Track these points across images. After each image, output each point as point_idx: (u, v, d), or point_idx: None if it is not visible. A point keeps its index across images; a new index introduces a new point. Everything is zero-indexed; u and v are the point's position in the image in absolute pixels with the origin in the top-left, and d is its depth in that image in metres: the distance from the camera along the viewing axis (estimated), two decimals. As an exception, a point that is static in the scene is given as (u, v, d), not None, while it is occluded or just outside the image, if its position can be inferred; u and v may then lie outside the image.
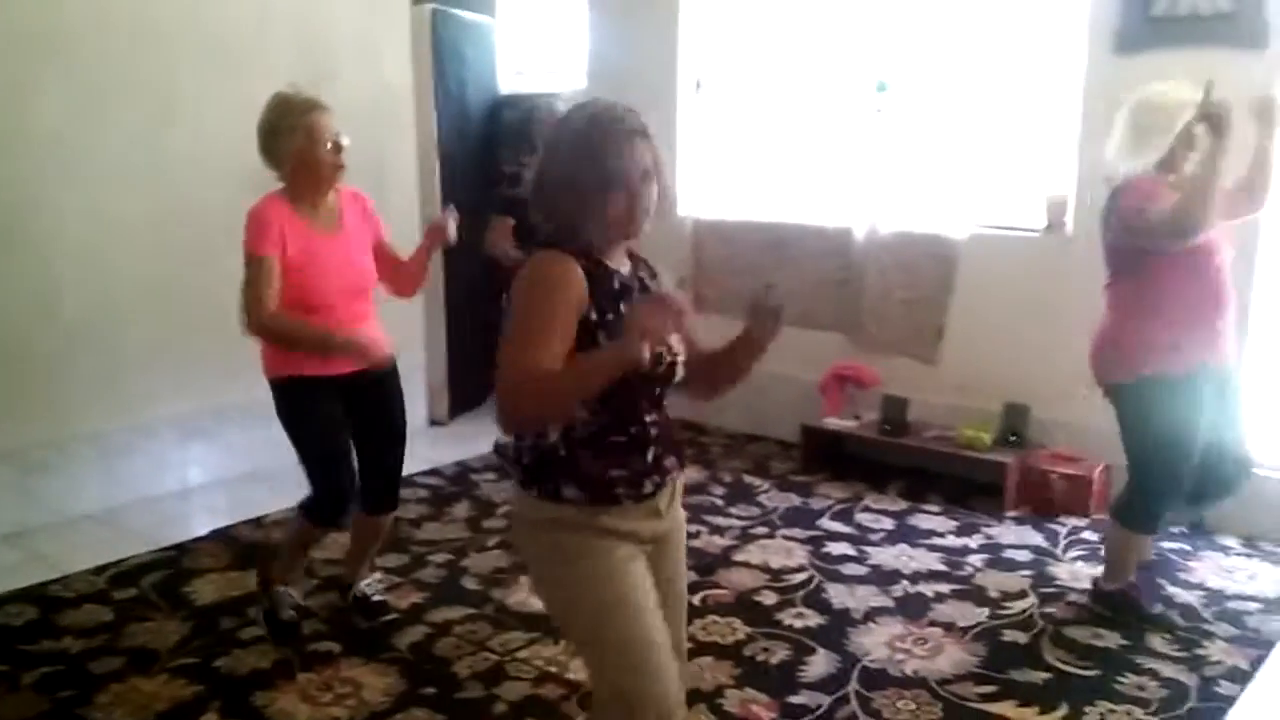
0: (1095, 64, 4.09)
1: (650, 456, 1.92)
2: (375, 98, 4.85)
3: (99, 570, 3.59)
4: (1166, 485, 3.13)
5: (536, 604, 3.38)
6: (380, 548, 3.44)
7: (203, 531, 3.98)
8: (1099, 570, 3.45)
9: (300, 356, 2.93)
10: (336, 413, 3.03)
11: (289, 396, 3.01)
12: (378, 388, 3.09)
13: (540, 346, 1.76)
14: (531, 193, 1.89)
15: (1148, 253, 2.99)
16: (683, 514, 2.10)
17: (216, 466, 4.50)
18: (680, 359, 1.93)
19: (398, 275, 3.16)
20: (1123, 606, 3.27)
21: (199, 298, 4.31)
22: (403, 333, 5.10)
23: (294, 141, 2.87)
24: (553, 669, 3.00)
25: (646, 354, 1.71)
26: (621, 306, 1.84)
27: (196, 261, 4.28)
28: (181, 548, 3.84)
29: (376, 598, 3.32)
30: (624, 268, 1.93)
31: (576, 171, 1.81)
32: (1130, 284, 3.07)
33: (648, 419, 1.92)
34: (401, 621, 3.28)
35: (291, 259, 2.86)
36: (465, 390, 5.53)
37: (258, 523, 4.08)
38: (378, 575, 3.44)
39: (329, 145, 2.91)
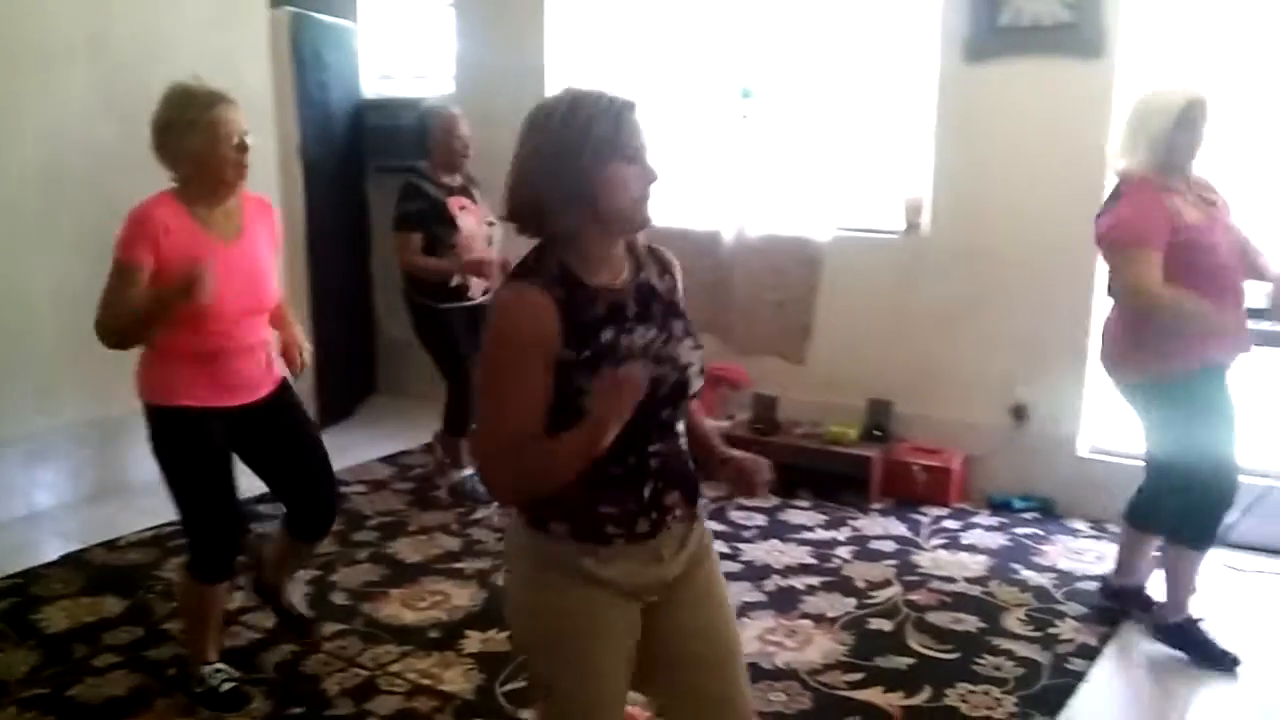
0: (947, 71, 4.26)
1: (648, 492, 1.71)
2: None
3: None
4: (1213, 490, 2.96)
5: (408, 616, 3.34)
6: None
7: (53, 556, 3.79)
8: (960, 556, 3.58)
9: (186, 383, 2.62)
10: (224, 453, 2.72)
11: (168, 428, 2.67)
12: (279, 410, 2.81)
13: (510, 408, 1.61)
14: (512, 190, 1.67)
15: None
16: (708, 547, 1.86)
17: (66, 488, 4.29)
18: (693, 372, 1.73)
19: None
20: (1185, 644, 3.09)
21: (37, 313, 4.12)
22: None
23: (193, 139, 2.57)
24: (426, 681, 2.96)
25: (606, 440, 1.58)
26: (604, 335, 1.64)
27: (35, 276, 4.09)
28: (29, 574, 3.65)
29: (299, 611, 3.18)
30: (619, 278, 1.70)
31: (566, 150, 1.60)
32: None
33: (650, 449, 1.70)
34: (267, 641, 3.19)
35: (179, 267, 2.53)
36: (333, 401, 5.41)
37: (112, 545, 3.90)
38: (305, 590, 3.30)
39: (233, 144, 2.60)
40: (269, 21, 4.99)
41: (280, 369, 2.86)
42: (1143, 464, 3.23)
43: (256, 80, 4.90)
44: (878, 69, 4.53)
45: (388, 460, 4.91)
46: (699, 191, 4.93)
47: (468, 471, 4.39)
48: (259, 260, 2.72)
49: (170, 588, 3.51)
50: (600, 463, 1.63)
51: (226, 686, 2.84)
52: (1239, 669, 2.99)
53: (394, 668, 3.03)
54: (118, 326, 2.57)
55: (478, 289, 4.23)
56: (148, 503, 4.17)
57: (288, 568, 3.13)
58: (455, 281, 4.17)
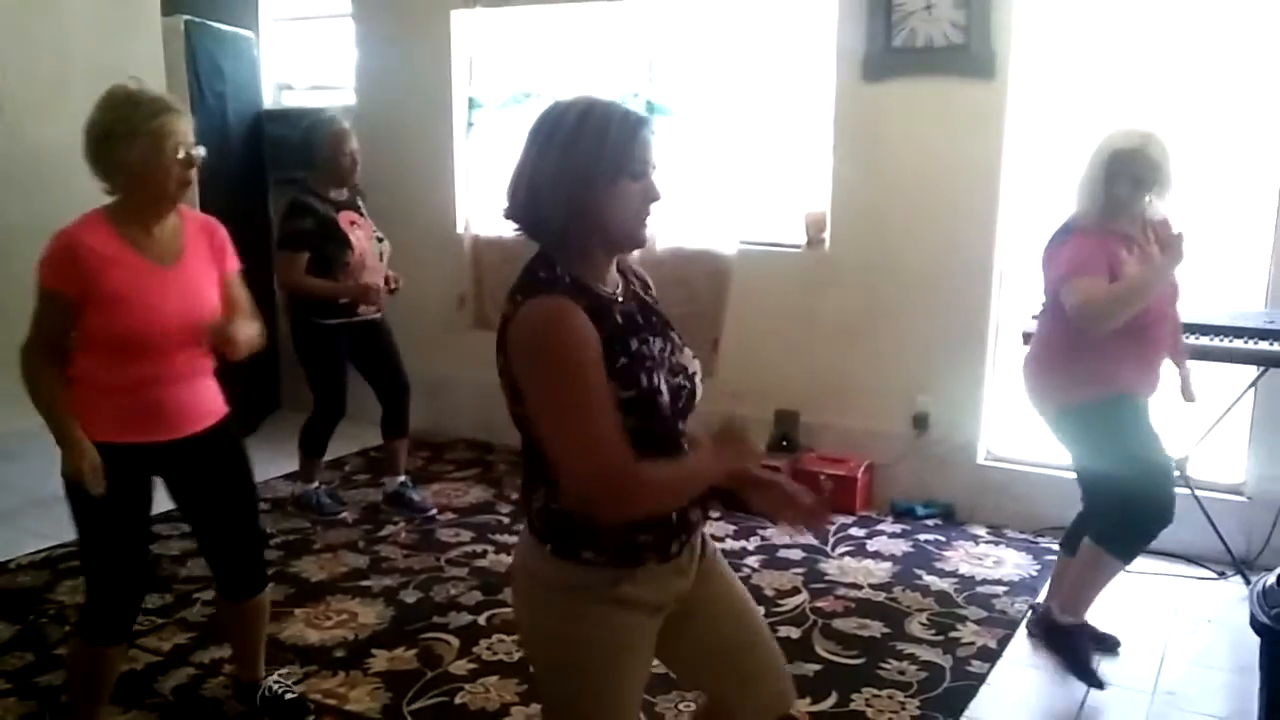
0: (844, 90, 4.37)
1: (676, 514, 1.70)
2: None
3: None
4: (1164, 503, 3.00)
5: (311, 636, 3.28)
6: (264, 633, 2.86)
7: (-67, 582, 3.62)
8: (865, 563, 3.66)
9: (106, 417, 2.38)
10: (138, 496, 2.45)
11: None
12: (215, 447, 2.57)
13: (607, 427, 1.53)
14: (519, 191, 1.62)
15: None
16: (716, 556, 1.89)
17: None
18: (698, 380, 1.75)
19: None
20: (1062, 645, 3.16)
21: None
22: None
23: (133, 150, 2.32)
24: (331, 701, 2.91)
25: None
26: (631, 344, 1.61)
27: None
28: (-92, 602, 3.48)
29: (289, 695, 2.85)
30: (617, 289, 1.68)
31: (580, 157, 1.57)
32: (1063, 318, 2.97)
33: None
34: (165, 664, 3.09)
35: (111, 292, 2.32)
36: (235, 418, 5.25)
37: (1, 567, 3.74)
38: (282, 670, 3.00)
39: (179, 156, 2.36)
40: (163, 29, 4.86)
41: (222, 404, 2.63)
42: (1087, 487, 3.22)
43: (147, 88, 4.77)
44: (780, 86, 4.62)
45: (291, 477, 4.80)
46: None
47: (315, 484, 4.41)
48: (200, 285, 2.48)
49: (62, 610, 3.40)
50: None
51: None
52: (1105, 689, 3.03)
53: (297, 688, 2.96)
54: (33, 376, 2.36)
55: (368, 308, 4.18)
56: (38, 524, 4.04)
57: (254, 646, 2.82)
58: (344, 300, 4.09)
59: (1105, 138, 2.97)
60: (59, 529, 3.95)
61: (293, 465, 4.97)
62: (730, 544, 4.05)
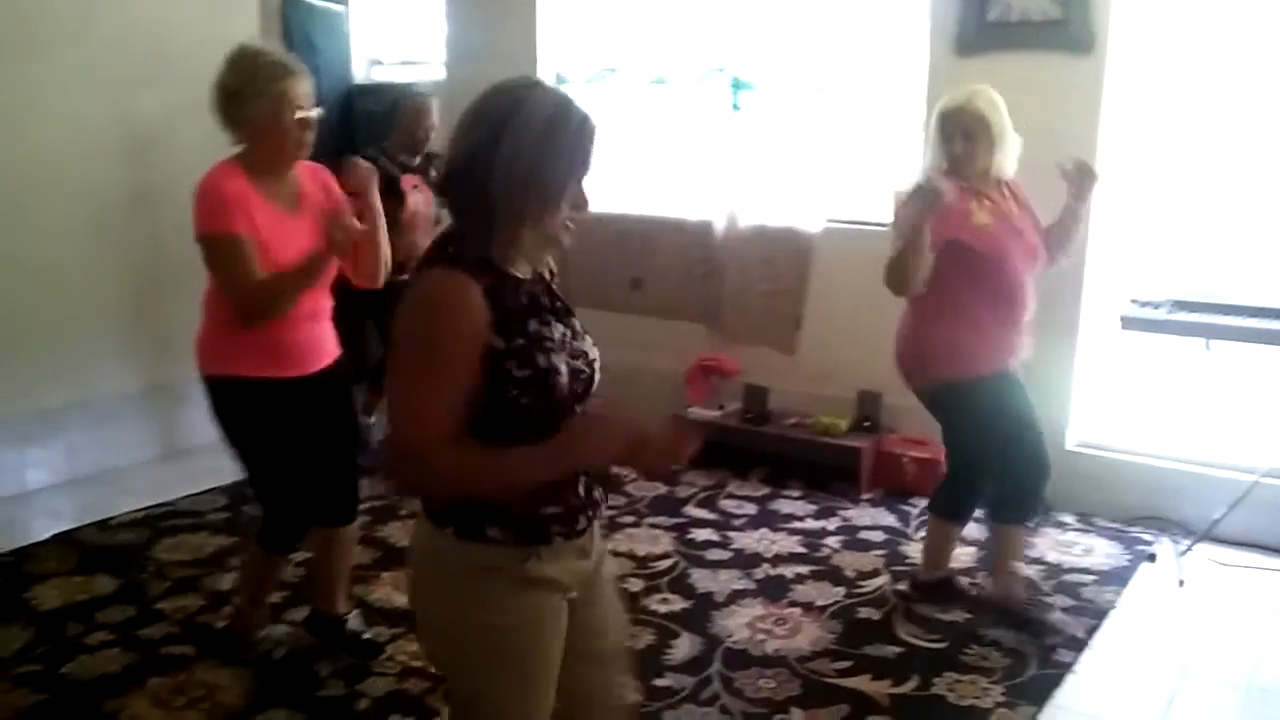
0: (937, 65, 4.27)
1: (583, 489, 1.71)
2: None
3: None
4: (978, 475, 3.25)
5: (399, 600, 3.35)
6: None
7: (44, 535, 3.78)
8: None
9: (245, 355, 2.57)
10: (288, 420, 2.67)
11: (232, 400, 2.63)
12: (331, 387, 2.77)
13: (438, 402, 1.53)
14: (470, 174, 1.57)
15: (935, 265, 2.97)
16: (605, 546, 1.87)
17: (57, 469, 4.27)
18: (597, 366, 1.72)
19: (359, 260, 2.72)
20: (944, 594, 3.38)
21: (31, 290, 4.11)
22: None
23: (258, 109, 2.51)
24: (416, 664, 2.96)
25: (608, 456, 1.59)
26: (530, 325, 1.60)
27: (28, 252, 4.08)
28: (21, 553, 3.64)
29: (365, 636, 3.01)
30: (526, 272, 1.66)
31: (555, 158, 1.57)
32: (926, 290, 3.01)
33: None
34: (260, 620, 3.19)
35: (253, 234, 2.50)
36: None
37: (103, 525, 3.90)
38: (370, 631, 3.08)
39: (297, 118, 2.55)
40: (259, 3, 4.96)
41: (336, 345, 2.80)
42: (955, 460, 3.35)
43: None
44: (870, 61, 4.55)
45: (385, 443, 4.91)
46: (691, 182, 4.95)
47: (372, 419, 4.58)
48: (319, 231, 2.61)
49: (162, 568, 3.53)
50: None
51: (280, 653, 2.98)
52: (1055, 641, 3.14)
53: (386, 650, 3.04)
54: (268, 301, 2.53)
55: (411, 269, 4.28)
56: (137, 484, 4.20)
57: (337, 578, 2.99)
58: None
59: (941, 102, 3.09)
60: (158, 489, 4.15)
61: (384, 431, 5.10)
62: (810, 524, 4.03)
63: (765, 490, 4.39)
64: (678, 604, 3.36)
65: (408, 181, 4.34)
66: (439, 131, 4.31)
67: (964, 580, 3.46)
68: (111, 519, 3.95)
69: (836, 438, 4.43)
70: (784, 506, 4.22)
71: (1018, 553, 3.32)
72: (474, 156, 1.56)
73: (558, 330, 1.65)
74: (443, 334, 1.54)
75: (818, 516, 4.11)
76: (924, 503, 4.20)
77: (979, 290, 3.01)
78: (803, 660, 3.03)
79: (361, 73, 5.88)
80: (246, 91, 2.53)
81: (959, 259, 2.97)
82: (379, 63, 5.99)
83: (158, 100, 4.40)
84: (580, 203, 1.63)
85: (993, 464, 3.16)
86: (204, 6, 4.63)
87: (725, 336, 4.89)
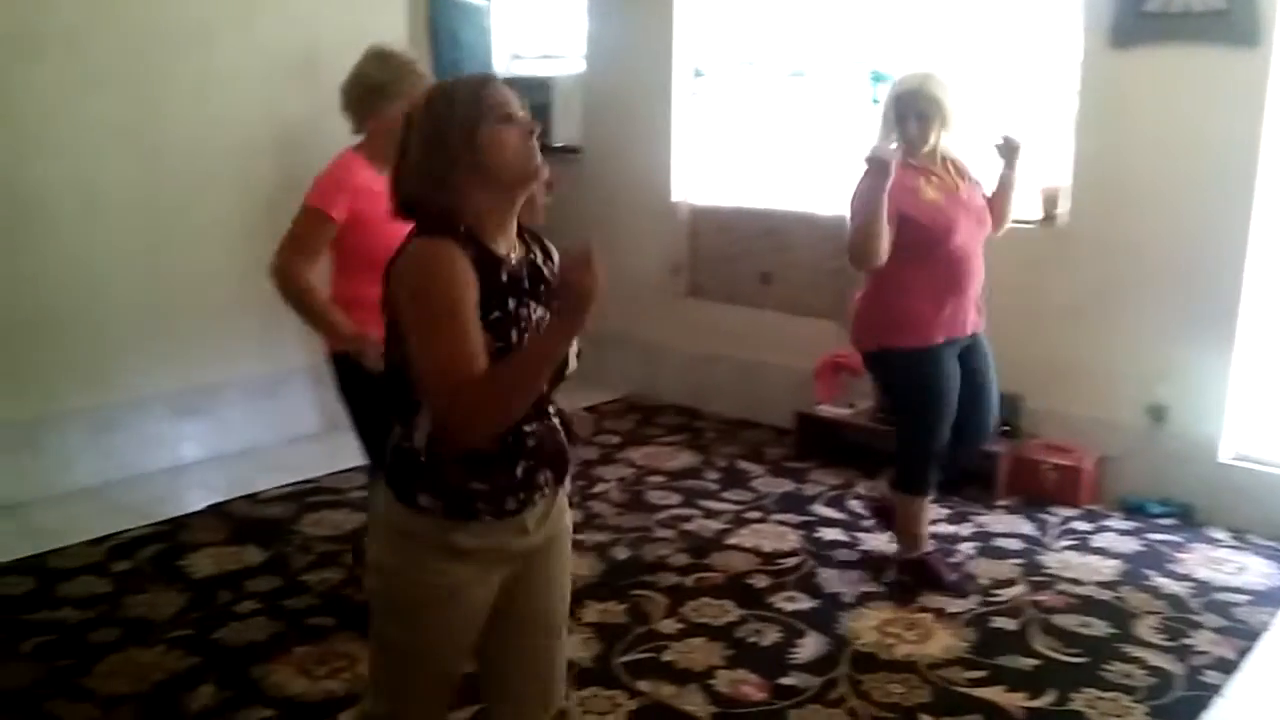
0: (1091, 58, 4.11)
1: (520, 470, 1.73)
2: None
3: (95, 543, 3.59)
4: (930, 448, 3.34)
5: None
6: None
7: (198, 506, 3.99)
8: (1089, 559, 3.49)
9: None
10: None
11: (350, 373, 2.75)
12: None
13: (463, 349, 1.60)
14: (403, 183, 1.72)
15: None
16: (566, 523, 1.91)
17: (210, 443, 4.49)
18: (572, 353, 1.75)
19: None
20: (921, 576, 3.44)
21: (189, 274, 4.34)
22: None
23: (392, 108, 2.67)
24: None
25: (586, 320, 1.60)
26: (509, 302, 1.67)
27: (186, 239, 4.30)
28: (177, 522, 3.85)
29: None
30: (513, 254, 1.74)
31: (440, 129, 1.68)
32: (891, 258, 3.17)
33: (526, 428, 1.73)
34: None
35: (371, 214, 2.55)
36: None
37: (253, 499, 4.09)
38: None
39: None
40: (408, 1, 5.10)
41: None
42: (901, 431, 3.49)
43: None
44: (1017, 53, 4.40)
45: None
46: (826, 176, 4.88)
47: None
48: None
49: (307, 542, 3.68)
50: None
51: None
52: (971, 591, 3.40)
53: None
54: (288, 273, 2.69)
55: None
56: (283, 460, 4.39)
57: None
58: None
59: (894, 83, 3.29)
60: (302, 466, 4.33)
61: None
62: (943, 528, 3.94)
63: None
64: (804, 602, 3.33)
65: None
66: (581, 120, 4.35)
67: (944, 560, 3.56)
68: (260, 493, 4.13)
69: (972, 441, 4.31)
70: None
71: (913, 521, 3.50)
72: (400, 167, 1.72)
73: (537, 312, 1.72)
74: (448, 287, 1.61)
75: (951, 521, 4.01)
76: (1065, 512, 4.08)
77: (924, 263, 3.18)
78: (933, 667, 2.96)
79: (502, 67, 6.00)
80: (390, 90, 2.72)
81: (906, 233, 3.13)
82: (519, 57, 6.11)
83: (308, 97, 4.58)
84: (525, 128, 1.72)
85: (932, 432, 3.31)
86: (354, 5, 4.79)
87: (858, 334, 4.81)
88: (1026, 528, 3.97)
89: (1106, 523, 4.01)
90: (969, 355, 3.36)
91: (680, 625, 3.17)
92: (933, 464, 3.38)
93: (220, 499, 4.06)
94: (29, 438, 3.99)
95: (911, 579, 3.45)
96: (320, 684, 2.81)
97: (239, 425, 4.53)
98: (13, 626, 3.08)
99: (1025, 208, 4.42)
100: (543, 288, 1.76)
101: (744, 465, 4.61)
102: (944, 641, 3.10)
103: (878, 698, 2.81)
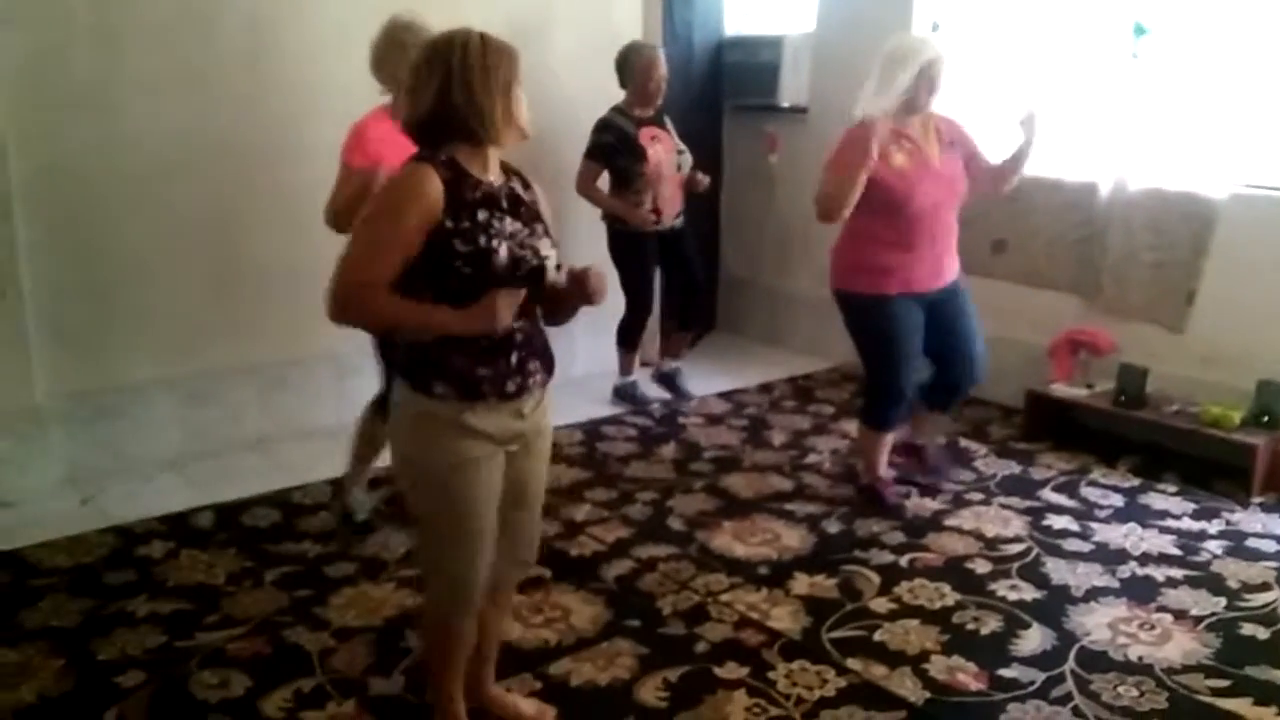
0: None
1: (515, 359, 2.11)
2: (602, 37, 4.86)
3: (334, 481, 3.83)
4: (888, 388, 3.62)
5: (739, 549, 3.41)
6: None
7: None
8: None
9: None
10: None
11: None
12: None
13: (378, 257, 1.98)
14: (425, 106, 2.03)
15: None
16: (548, 422, 2.29)
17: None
18: (550, 263, 2.13)
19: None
20: (870, 499, 3.75)
21: (307, 289, 4.35)
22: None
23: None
24: (754, 615, 3.00)
25: (500, 325, 2.03)
26: (479, 214, 2.03)
27: (301, 254, 4.29)
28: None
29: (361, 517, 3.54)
30: (494, 177, 2.10)
31: (485, 76, 2.01)
32: (852, 214, 3.43)
33: (515, 324, 2.08)
34: (609, 554, 3.36)
35: (393, 159, 2.64)
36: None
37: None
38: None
39: None
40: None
41: None
42: (867, 372, 3.75)
43: (626, 16, 5.05)
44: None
45: (724, 396, 5.00)
46: (1076, 139, 4.55)
47: (631, 377, 4.89)
48: None
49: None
50: (476, 336, 2.04)
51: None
52: (904, 511, 3.70)
53: (724, 597, 3.10)
54: (331, 220, 3.10)
55: (668, 216, 4.60)
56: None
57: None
58: (647, 207, 4.56)
59: (907, 46, 3.43)
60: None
61: (726, 385, 5.21)
62: (1187, 524, 3.64)
63: (1135, 481, 4.01)
64: (1028, 592, 3.16)
65: (645, 134, 4.51)
66: (809, 80, 4.25)
67: (890, 486, 3.79)
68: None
69: (1226, 431, 3.95)
70: (1156, 502, 3.83)
71: (871, 452, 3.79)
72: (432, 94, 2.02)
73: (511, 225, 2.08)
74: (398, 203, 2.00)
75: (1197, 517, 3.70)
76: (1333, 514, 3.68)
77: (885, 221, 3.43)
78: (1171, 672, 2.74)
79: (732, 26, 5.92)
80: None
81: (872, 193, 3.36)
82: (748, 14, 6.00)
83: (541, 56, 4.64)
84: (518, 96, 2.07)
85: (891, 374, 3.58)
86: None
87: (1101, 309, 4.49)
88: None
89: (1384, 530, 3.59)
90: (942, 308, 3.59)
91: (893, 605, 3.08)
92: (892, 403, 3.65)
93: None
94: (277, 379, 4.28)
95: (863, 499, 3.76)
96: (536, 631, 2.90)
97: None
98: (260, 556, 3.33)
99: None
100: (521, 209, 2.13)
101: (967, 444, 4.41)
102: (1184, 645, 2.87)
103: (1107, 699, 2.63)
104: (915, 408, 3.87)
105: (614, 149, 4.51)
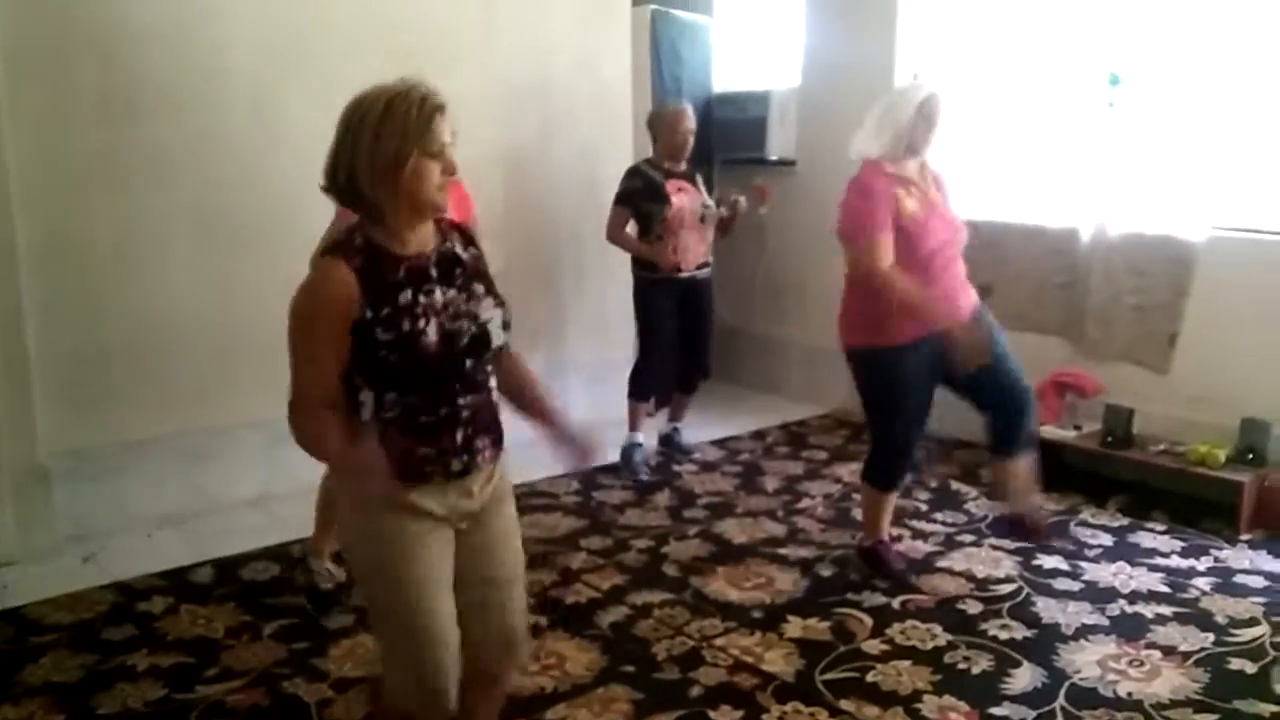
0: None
1: (460, 437, 1.97)
2: (593, 96, 5.01)
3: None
4: (898, 445, 3.49)
5: (733, 594, 3.44)
6: None
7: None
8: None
9: None
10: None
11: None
12: None
13: (308, 374, 1.89)
14: (339, 178, 1.88)
15: None
16: (506, 486, 2.13)
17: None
18: (494, 325, 1.97)
19: None
20: (872, 562, 3.59)
21: None
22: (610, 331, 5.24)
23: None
24: (748, 659, 3.03)
25: (370, 489, 1.88)
26: (402, 297, 1.88)
27: None
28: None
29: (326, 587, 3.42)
30: (425, 247, 1.95)
31: (390, 143, 1.83)
32: (850, 268, 3.38)
33: (460, 401, 1.96)
34: (604, 600, 3.40)
35: None
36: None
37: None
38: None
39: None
40: (632, 19, 5.25)
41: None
42: (873, 429, 3.60)
43: (615, 74, 5.18)
44: (1266, 47, 4.05)
45: (718, 443, 5.06)
46: (1056, 187, 4.66)
47: (637, 434, 4.77)
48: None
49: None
50: (416, 412, 1.92)
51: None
52: (910, 581, 3.52)
53: (718, 641, 3.13)
54: None
55: (690, 264, 4.59)
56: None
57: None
58: (646, 258, 4.58)
59: (904, 88, 3.52)
60: (518, 471, 4.50)
61: (721, 433, 5.25)
62: (1176, 561, 3.68)
63: (1124, 521, 4.06)
64: (1019, 631, 3.19)
65: (672, 186, 4.56)
66: (797, 133, 4.36)
67: (893, 549, 3.67)
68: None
69: (1213, 469, 4.00)
70: (1145, 540, 3.88)
71: (1022, 477, 3.66)
72: (338, 159, 1.88)
73: (443, 295, 1.93)
74: (310, 317, 1.87)
75: (1185, 554, 3.74)
76: (1319, 550, 3.72)
77: (901, 266, 3.28)
78: (1160, 708, 2.77)
79: (720, 82, 6.07)
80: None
81: (894, 242, 3.28)
82: (735, 71, 6.16)
83: (539, 118, 4.79)
84: (448, 169, 1.89)
85: (905, 430, 3.46)
86: (583, 23, 4.97)
87: (1086, 351, 4.57)
88: (1272, 565, 3.65)
89: (1370, 565, 3.63)
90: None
91: (885, 646, 3.11)
92: (901, 460, 3.52)
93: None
94: (282, 434, 4.31)
95: (865, 565, 3.61)
96: (532, 679, 2.92)
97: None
98: (258, 609, 3.37)
99: (1277, 216, 4.09)
100: (458, 271, 1.98)
101: (958, 486, 4.46)
102: (1173, 681, 2.90)
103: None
104: (996, 471, 3.80)
105: (640, 193, 4.55)
